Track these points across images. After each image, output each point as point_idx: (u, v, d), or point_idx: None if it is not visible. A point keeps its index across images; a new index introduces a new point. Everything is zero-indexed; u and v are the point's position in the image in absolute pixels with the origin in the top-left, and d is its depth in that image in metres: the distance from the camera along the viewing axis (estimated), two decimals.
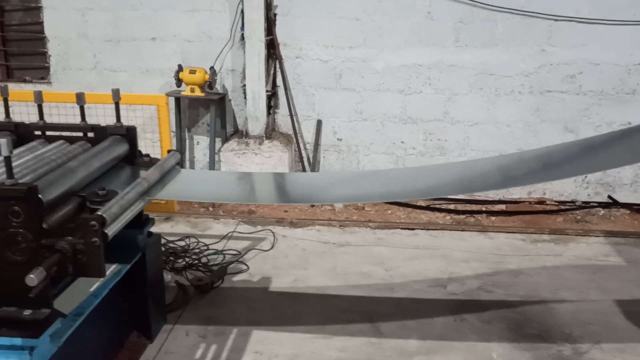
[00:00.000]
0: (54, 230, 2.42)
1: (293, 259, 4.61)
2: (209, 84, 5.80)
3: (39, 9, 6.13)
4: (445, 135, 5.97)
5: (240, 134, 6.09)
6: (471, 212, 5.79)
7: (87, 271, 2.35)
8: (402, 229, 5.27)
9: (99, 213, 2.36)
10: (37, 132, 3.21)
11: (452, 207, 5.86)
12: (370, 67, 5.88)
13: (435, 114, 5.93)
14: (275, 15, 5.84)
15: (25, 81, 6.38)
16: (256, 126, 5.93)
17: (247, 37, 5.73)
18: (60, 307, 2.52)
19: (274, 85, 6.04)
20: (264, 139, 5.91)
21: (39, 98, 3.15)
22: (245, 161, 5.87)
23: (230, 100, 6.17)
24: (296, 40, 5.89)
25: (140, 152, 3.27)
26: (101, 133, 3.17)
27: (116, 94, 3.15)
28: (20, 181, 2.33)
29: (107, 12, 6.00)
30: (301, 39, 5.89)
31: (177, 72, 5.80)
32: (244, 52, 5.83)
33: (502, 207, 5.92)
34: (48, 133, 3.21)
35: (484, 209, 5.85)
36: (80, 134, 3.21)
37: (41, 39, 6.22)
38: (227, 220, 5.41)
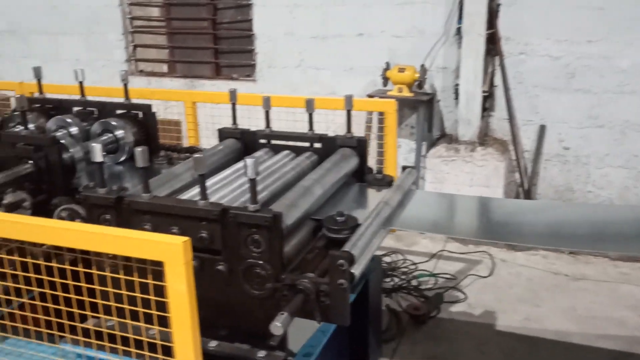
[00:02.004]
0: (290, 259, 2.11)
1: (519, 291, 3.96)
2: (419, 84, 5.32)
3: (249, 6, 6.13)
4: None
5: (448, 138, 5.53)
6: None
7: (329, 316, 1.98)
8: None
9: (347, 249, 1.97)
10: (262, 141, 2.96)
11: None
12: (613, 64, 4.95)
13: None
14: (498, 6, 5.17)
15: (232, 79, 6.45)
16: (467, 130, 5.33)
17: (464, 32, 5.14)
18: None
19: (491, 85, 5.38)
20: (477, 145, 5.29)
21: (267, 104, 2.89)
22: (453, 169, 5.29)
23: (438, 101, 5.63)
24: (521, 34, 5.16)
25: (370, 167, 2.88)
26: (330, 144, 2.82)
27: (349, 101, 2.78)
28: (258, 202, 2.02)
29: (315, 8, 5.79)
30: (528, 32, 5.14)
31: (385, 70, 5.40)
32: (459, 48, 5.25)
33: None
34: (273, 142, 2.95)
35: None
36: (306, 144, 2.89)
37: (249, 37, 6.22)
38: (434, 234, 4.90)
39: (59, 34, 7.11)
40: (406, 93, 5.33)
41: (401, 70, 5.30)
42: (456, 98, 5.43)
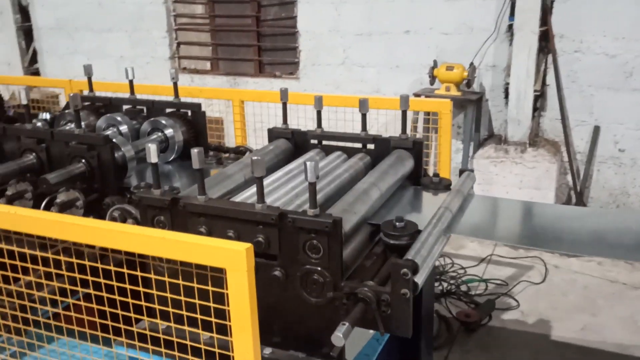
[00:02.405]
0: (347, 266, 2.03)
1: (574, 299, 3.80)
2: (467, 82, 5.17)
3: (293, 3, 6.07)
4: None
5: (496, 139, 5.37)
6: None
7: (390, 327, 1.89)
8: None
9: (410, 257, 1.88)
10: (313, 141, 2.89)
11: None
12: None
13: None
14: (552, 2, 4.98)
15: (275, 76, 6.40)
16: (517, 131, 5.16)
17: (516, 28, 4.97)
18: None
19: (543, 84, 5.19)
20: (527, 146, 5.12)
21: (319, 104, 2.81)
22: (502, 171, 5.14)
23: (487, 100, 5.47)
24: (576, 31, 4.96)
25: (425, 170, 2.77)
26: (383, 145, 2.72)
27: (404, 101, 2.68)
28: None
29: (361, 4, 5.69)
30: (583, 29, 4.94)
31: (432, 68, 5.27)
32: (510, 45, 5.09)
33: None
34: (324, 142, 2.87)
35: None
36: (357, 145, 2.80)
37: (293, 34, 6.16)
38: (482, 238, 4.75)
39: (104, 31, 7.19)
40: (454, 92, 5.19)
41: (449, 68, 5.16)
42: (506, 97, 5.27)
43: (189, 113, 3.13)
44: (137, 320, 2.00)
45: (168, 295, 1.78)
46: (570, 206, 4.67)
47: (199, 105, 3.13)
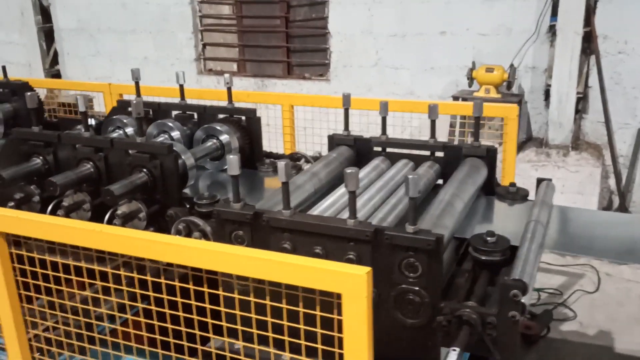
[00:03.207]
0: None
1: (632, 310, 3.68)
2: (508, 84, 5.06)
3: (324, 3, 5.96)
4: None
5: (536, 142, 5.25)
6: None
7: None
8: None
9: (517, 277, 1.77)
10: (377, 149, 2.77)
11: None
12: None
13: None
14: (596, 2, 4.86)
15: (304, 78, 6.30)
16: (558, 134, 5.04)
17: (559, 29, 4.85)
18: None
19: (585, 86, 5.07)
20: (570, 149, 5.00)
21: (384, 109, 2.69)
22: (543, 175, 4.97)
23: (525, 102, 5.35)
24: (621, 31, 4.84)
25: (496, 179, 2.66)
26: (454, 153, 2.61)
27: (478, 107, 2.57)
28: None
29: (394, 5, 5.58)
30: (628, 30, 4.82)
31: (470, 70, 5.16)
32: (551, 46, 4.97)
33: None
34: (388, 150, 2.76)
35: None
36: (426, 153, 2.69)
37: (324, 35, 6.05)
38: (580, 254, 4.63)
39: (127, 32, 7.09)
40: (493, 94, 5.07)
41: (489, 70, 5.04)
42: (545, 99, 5.16)
43: (243, 119, 3.02)
44: (205, 339, 1.89)
45: (252, 315, 1.67)
46: None
47: (254, 111, 3.01)
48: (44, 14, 7.63)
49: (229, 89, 3.03)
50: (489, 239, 2.03)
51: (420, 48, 5.58)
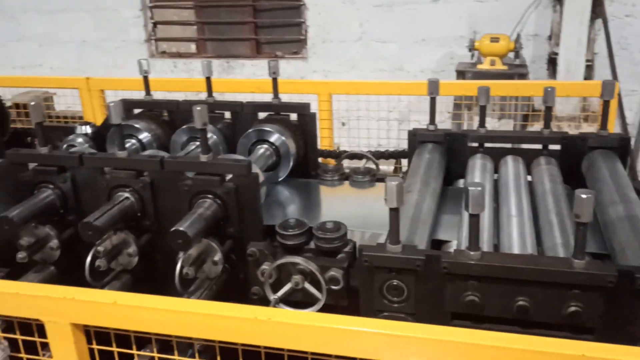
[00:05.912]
0: None
1: None
2: (516, 54, 4.70)
3: None
4: None
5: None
6: None
7: None
8: None
9: None
10: (473, 144, 2.29)
11: None
12: None
13: None
14: None
15: (276, 57, 5.67)
16: (567, 105, 4.77)
17: None
18: None
19: (592, 52, 4.82)
20: (581, 120, 4.74)
21: (485, 97, 2.21)
22: None
23: (528, 73, 5.03)
24: None
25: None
26: (575, 145, 2.17)
27: (550, 94, 2.11)
28: None
29: None
30: None
31: (472, 40, 4.75)
32: (556, 11, 4.66)
33: None
34: (487, 145, 2.28)
35: None
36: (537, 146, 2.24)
37: (297, 8, 5.44)
38: None
39: (57, 12, 6.12)
40: (499, 66, 4.70)
41: (494, 39, 4.65)
42: (548, 68, 4.86)
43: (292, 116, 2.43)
44: None
45: None
46: None
47: (307, 106, 2.43)
48: None
49: (275, 80, 2.42)
50: None
51: (410, 18, 5.10)
